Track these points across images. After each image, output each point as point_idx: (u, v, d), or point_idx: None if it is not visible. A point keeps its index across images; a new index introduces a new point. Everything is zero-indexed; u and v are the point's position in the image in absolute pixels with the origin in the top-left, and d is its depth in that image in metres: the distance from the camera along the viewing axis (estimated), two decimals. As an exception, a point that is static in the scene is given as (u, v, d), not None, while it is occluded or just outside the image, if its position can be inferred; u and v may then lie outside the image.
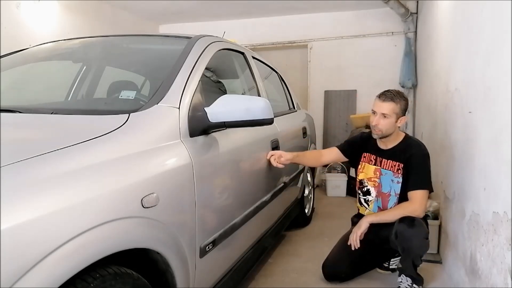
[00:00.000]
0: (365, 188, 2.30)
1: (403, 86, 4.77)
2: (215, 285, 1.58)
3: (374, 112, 2.16)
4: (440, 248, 2.62)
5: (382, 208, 2.24)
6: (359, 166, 2.34)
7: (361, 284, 2.27)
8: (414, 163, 2.13)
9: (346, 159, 2.45)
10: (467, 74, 2.08)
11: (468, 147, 1.97)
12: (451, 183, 2.36)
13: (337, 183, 4.32)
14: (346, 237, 2.35)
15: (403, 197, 2.18)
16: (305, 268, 2.46)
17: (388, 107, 2.10)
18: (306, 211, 3.31)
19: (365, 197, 2.31)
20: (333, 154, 2.45)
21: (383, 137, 2.19)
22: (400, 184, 2.17)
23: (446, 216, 2.49)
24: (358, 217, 2.45)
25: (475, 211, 1.83)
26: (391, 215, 2.13)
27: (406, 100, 2.18)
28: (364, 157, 2.33)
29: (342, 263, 2.27)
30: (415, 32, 4.71)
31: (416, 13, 4.67)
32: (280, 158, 2.16)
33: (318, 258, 2.44)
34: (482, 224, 1.71)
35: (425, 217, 2.61)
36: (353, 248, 2.15)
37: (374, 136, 2.22)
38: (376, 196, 2.26)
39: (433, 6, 3.44)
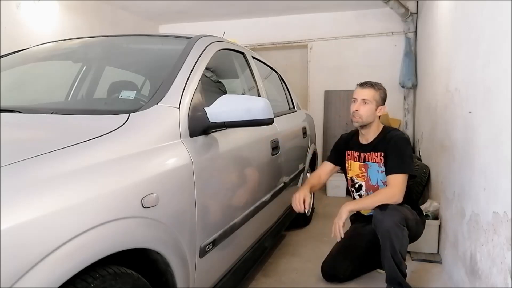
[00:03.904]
0: (357, 185, 2.33)
1: (403, 86, 4.76)
2: (215, 285, 1.58)
3: (354, 100, 2.19)
4: (440, 248, 2.62)
5: None
6: (346, 165, 2.36)
7: (361, 284, 2.27)
8: (392, 147, 2.14)
9: (338, 167, 2.43)
10: (467, 74, 2.08)
11: (468, 147, 1.97)
12: (451, 183, 2.36)
13: (337, 183, 4.32)
14: (345, 237, 2.35)
15: None
16: (305, 268, 2.46)
17: (368, 92, 2.15)
18: (306, 211, 3.30)
19: (358, 193, 2.33)
20: (327, 168, 2.43)
21: (363, 126, 2.20)
22: (384, 172, 2.17)
23: (446, 216, 2.49)
24: (356, 216, 2.46)
25: (475, 211, 1.82)
26: (370, 202, 2.11)
27: (385, 90, 2.22)
28: (348, 155, 2.34)
29: (340, 264, 2.27)
30: (415, 32, 4.70)
31: (416, 13, 4.66)
32: (305, 202, 2.22)
33: (318, 258, 2.44)
34: (482, 224, 1.71)
35: (425, 216, 2.64)
36: (338, 240, 2.09)
37: (355, 125, 2.23)
38: (366, 190, 2.28)
39: (433, 6, 3.44)
